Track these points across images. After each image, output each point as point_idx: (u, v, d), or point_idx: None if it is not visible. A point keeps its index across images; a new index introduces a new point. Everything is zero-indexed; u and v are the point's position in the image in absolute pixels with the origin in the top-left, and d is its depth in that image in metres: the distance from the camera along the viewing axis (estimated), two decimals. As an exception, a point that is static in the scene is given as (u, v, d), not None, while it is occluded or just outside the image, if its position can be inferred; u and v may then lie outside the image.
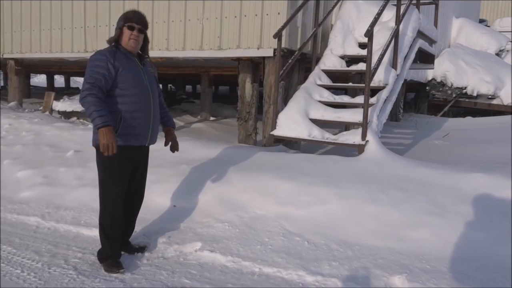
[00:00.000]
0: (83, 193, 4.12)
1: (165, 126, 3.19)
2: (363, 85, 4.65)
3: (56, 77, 18.47)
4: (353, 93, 6.66)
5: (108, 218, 2.85)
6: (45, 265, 2.86)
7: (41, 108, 8.55)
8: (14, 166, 4.84)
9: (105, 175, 2.84)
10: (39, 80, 25.30)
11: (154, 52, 6.43)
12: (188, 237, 3.28)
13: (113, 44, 2.85)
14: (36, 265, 2.85)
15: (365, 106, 4.44)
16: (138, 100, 2.83)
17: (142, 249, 3.10)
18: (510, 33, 14.00)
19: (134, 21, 2.83)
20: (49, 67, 11.29)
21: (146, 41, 2.96)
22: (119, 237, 2.92)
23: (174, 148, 3.20)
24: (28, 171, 4.69)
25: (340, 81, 6.15)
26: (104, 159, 2.74)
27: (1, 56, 8.92)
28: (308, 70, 5.71)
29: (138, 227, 3.35)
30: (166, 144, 3.19)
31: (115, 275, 2.73)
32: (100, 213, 2.89)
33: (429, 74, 10.43)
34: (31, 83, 16.02)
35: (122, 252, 2.98)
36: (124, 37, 2.83)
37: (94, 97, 2.64)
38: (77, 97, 8.26)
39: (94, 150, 2.86)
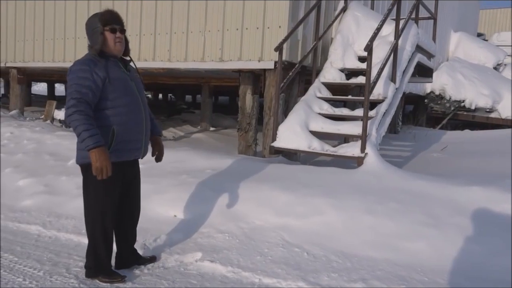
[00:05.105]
0: (84, 202, 4.15)
1: (152, 135, 2.94)
2: (363, 98, 4.72)
3: (57, 85, 18.55)
4: (352, 105, 6.73)
5: (101, 234, 2.72)
6: (47, 273, 2.88)
7: (42, 116, 8.60)
8: (15, 174, 4.88)
9: (96, 194, 2.66)
10: (39, 88, 25.36)
11: (157, 63, 6.51)
12: (188, 247, 3.31)
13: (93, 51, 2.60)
14: (37, 274, 2.87)
15: (364, 119, 4.50)
16: (130, 111, 2.63)
17: (153, 259, 3.08)
18: (510, 47, 14.13)
19: (114, 22, 2.62)
20: (50, 75, 11.38)
21: (126, 42, 2.74)
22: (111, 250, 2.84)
23: (159, 159, 3.02)
24: (29, 180, 4.73)
25: (340, 94, 6.22)
26: (93, 180, 2.53)
27: (4, 65, 9.00)
28: (308, 83, 5.79)
29: (138, 237, 3.38)
30: (153, 154, 3.00)
31: (116, 284, 2.75)
32: (91, 232, 2.74)
33: (428, 87, 10.53)
34: (32, 91, 16.09)
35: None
36: (108, 42, 2.61)
37: (81, 114, 2.43)
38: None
39: None
